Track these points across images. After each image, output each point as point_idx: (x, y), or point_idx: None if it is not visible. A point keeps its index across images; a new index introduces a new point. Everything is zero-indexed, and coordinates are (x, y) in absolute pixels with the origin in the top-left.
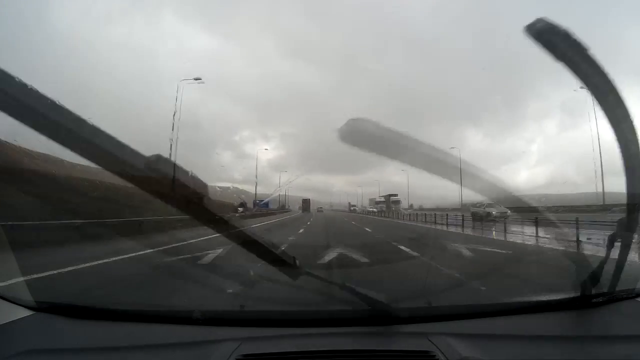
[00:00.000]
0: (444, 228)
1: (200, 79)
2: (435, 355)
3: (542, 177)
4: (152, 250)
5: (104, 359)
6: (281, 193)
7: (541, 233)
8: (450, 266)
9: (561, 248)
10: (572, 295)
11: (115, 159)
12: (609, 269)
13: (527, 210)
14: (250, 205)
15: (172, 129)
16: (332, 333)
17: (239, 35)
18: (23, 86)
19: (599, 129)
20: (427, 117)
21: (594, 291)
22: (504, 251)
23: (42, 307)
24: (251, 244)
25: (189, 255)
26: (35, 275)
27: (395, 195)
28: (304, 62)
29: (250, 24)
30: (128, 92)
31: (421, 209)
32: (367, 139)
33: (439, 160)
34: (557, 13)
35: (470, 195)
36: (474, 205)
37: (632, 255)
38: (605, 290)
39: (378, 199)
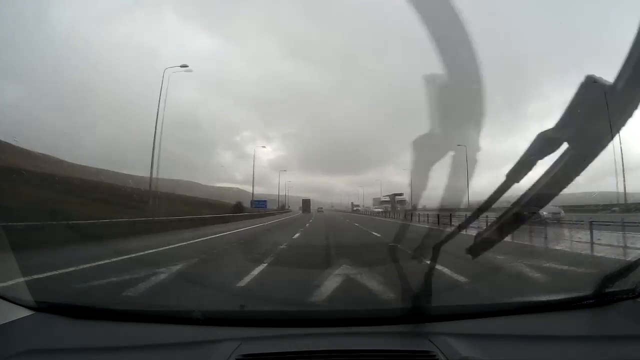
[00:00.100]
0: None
1: (187, 66)
2: (435, 355)
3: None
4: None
5: (104, 359)
6: (281, 193)
7: (611, 240)
8: None
9: None
10: (572, 295)
11: None
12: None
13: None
14: (247, 205)
15: (157, 119)
16: (332, 333)
17: (240, 36)
18: None
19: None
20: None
21: (596, 291)
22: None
23: (42, 307)
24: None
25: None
26: (35, 276)
27: (401, 194)
28: (305, 62)
29: (250, 24)
30: (128, 92)
31: (425, 209)
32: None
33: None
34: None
35: (473, 195)
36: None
37: None
38: (605, 290)
39: (383, 199)
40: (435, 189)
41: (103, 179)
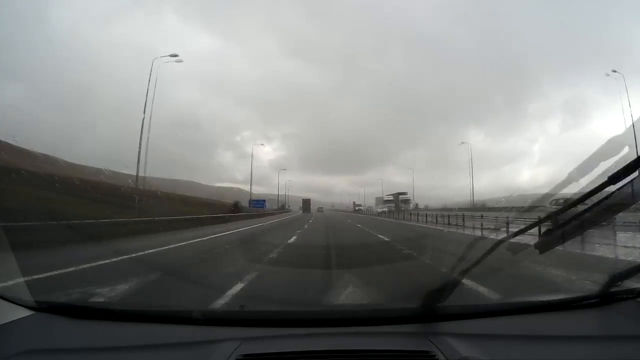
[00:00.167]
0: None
1: (177, 56)
2: (435, 355)
3: (543, 176)
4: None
5: (104, 359)
6: (281, 193)
7: None
8: None
9: None
10: (572, 295)
11: None
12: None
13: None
14: (245, 204)
15: (144, 112)
16: (332, 333)
17: (240, 36)
18: None
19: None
20: (429, 117)
21: (598, 291)
22: None
23: (42, 307)
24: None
25: None
26: (35, 276)
27: (405, 193)
28: (305, 62)
29: (250, 24)
30: (128, 92)
31: (427, 208)
32: None
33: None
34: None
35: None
36: (557, 201)
37: None
38: (607, 290)
39: (386, 198)
40: (438, 188)
41: (103, 179)
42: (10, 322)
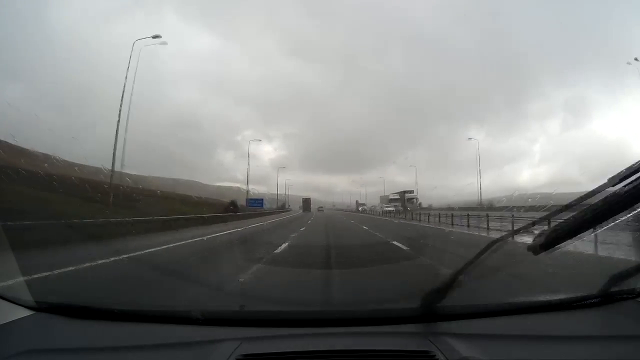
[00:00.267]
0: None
1: (159, 37)
2: (435, 355)
3: (544, 176)
4: None
5: (104, 359)
6: (281, 192)
7: None
8: None
9: None
10: (572, 295)
11: None
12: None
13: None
14: (243, 203)
15: (122, 99)
16: (332, 333)
17: (240, 36)
18: None
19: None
20: (429, 117)
21: (598, 291)
22: None
23: (42, 307)
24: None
25: None
26: (35, 275)
27: (411, 192)
28: (305, 62)
29: (250, 24)
30: (128, 92)
31: (431, 208)
32: None
33: None
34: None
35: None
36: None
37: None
38: (607, 290)
39: (392, 196)
40: (439, 187)
41: (103, 178)
42: (10, 322)
